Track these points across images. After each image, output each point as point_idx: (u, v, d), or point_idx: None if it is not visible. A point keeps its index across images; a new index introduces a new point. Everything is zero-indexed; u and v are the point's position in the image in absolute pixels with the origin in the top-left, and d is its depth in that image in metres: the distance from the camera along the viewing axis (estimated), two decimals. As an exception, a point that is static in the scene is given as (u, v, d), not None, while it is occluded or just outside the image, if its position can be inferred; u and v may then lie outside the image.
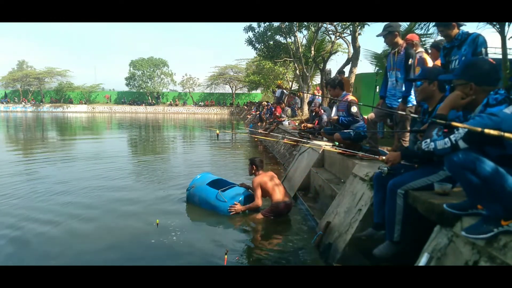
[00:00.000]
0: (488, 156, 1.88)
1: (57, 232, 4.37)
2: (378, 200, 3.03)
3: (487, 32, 19.29)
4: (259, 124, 17.57)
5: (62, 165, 8.93)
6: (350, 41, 13.85)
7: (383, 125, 6.43)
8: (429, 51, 5.10)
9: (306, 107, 15.88)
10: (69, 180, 7.04)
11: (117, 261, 3.67)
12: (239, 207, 5.00)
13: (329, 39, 17.25)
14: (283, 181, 6.96)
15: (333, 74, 15.68)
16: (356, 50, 12.92)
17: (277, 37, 18.40)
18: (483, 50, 3.39)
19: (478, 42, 3.39)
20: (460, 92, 2.17)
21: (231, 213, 4.96)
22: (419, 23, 9.75)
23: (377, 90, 11.30)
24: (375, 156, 4.25)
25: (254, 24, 17.94)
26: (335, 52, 18.11)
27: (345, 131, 5.41)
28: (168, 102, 49.67)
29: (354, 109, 5.45)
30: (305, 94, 15.89)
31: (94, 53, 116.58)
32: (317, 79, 22.37)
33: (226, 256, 3.53)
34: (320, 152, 6.00)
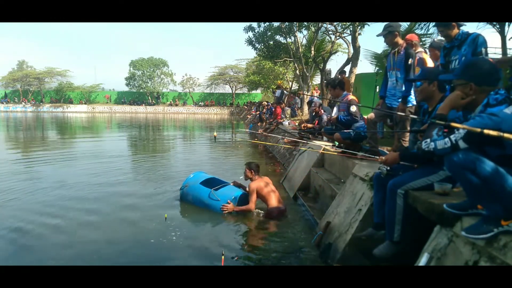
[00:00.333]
0: (488, 156, 1.88)
1: (56, 232, 4.37)
2: (378, 200, 3.03)
3: (487, 32, 19.23)
4: (259, 124, 17.57)
5: (62, 165, 8.93)
6: (350, 41, 13.86)
7: (383, 125, 6.43)
8: (428, 52, 5.10)
9: (306, 107, 15.88)
10: (68, 179, 7.05)
11: (116, 261, 3.66)
12: (231, 206, 5.01)
13: (329, 39, 17.25)
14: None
15: (333, 74, 15.71)
16: (356, 50, 12.92)
17: (277, 37, 18.40)
18: (483, 50, 3.39)
19: (478, 42, 3.39)
20: (460, 92, 2.17)
21: (224, 212, 4.99)
22: (419, 23, 9.75)
23: (377, 90, 11.29)
24: (374, 157, 4.25)
25: (254, 24, 17.96)
26: (335, 52, 18.12)
27: (345, 131, 5.42)
28: (168, 102, 49.68)
29: (353, 108, 5.45)
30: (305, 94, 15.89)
31: (94, 53, 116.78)
32: (317, 79, 22.36)
33: (223, 257, 3.53)
34: (320, 152, 6.01)
